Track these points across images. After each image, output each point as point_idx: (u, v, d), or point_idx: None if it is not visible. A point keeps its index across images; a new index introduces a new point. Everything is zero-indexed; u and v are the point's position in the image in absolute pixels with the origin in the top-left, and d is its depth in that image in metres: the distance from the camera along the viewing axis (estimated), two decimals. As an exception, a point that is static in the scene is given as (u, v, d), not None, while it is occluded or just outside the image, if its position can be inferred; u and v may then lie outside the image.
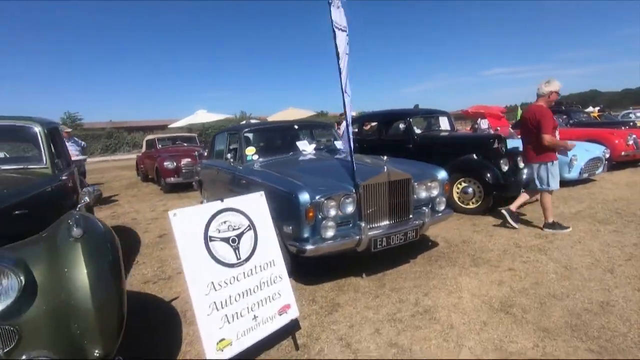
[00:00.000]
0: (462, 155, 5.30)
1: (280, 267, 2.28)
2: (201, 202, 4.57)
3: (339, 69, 2.95)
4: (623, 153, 7.58)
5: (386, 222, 3.14)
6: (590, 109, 18.52)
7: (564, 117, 11.88)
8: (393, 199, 3.16)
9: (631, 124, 10.63)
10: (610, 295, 2.66)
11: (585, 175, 6.45)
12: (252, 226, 2.22)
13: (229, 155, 4.47)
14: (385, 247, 3.04)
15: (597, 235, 3.93)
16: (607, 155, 6.91)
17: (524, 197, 4.40)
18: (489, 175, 4.85)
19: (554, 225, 4.14)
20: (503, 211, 4.39)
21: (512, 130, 8.67)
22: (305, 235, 2.82)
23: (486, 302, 2.67)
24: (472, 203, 5.13)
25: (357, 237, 2.88)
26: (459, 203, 5.23)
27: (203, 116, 15.37)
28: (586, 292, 2.73)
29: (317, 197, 2.80)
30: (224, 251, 2.05)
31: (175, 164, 8.61)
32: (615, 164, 7.88)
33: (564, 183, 6.52)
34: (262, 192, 2.40)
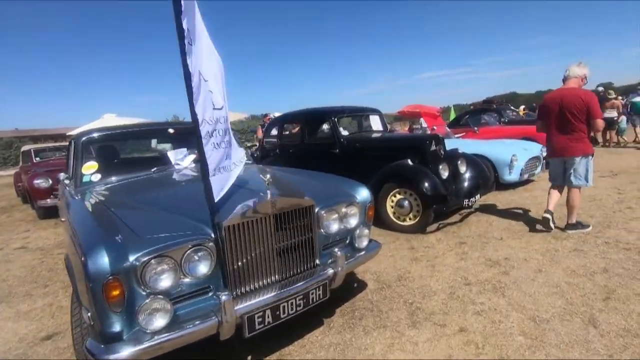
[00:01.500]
0: (395, 160, 4.35)
1: None
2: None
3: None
4: (557, 150, 7.33)
5: (272, 281, 1.96)
6: (522, 107, 19.52)
7: (495, 115, 11.87)
8: (283, 240, 1.99)
9: (557, 120, 10.81)
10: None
11: (525, 177, 5.93)
12: None
13: (62, 175, 3.01)
14: (271, 325, 1.85)
15: (556, 258, 3.15)
16: (544, 154, 6.50)
17: (556, 195, 3.83)
18: (426, 184, 3.93)
19: (577, 226, 3.70)
20: (547, 215, 3.74)
21: (449, 130, 8.10)
22: (113, 329, 1.53)
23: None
24: (409, 219, 4.19)
25: (215, 319, 1.66)
26: (394, 219, 4.27)
27: (111, 121, 13.10)
28: (573, 372, 1.79)
29: (130, 259, 1.52)
30: None
31: (50, 181, 6.71)
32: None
33: (504, 186, 5.95)
34: None
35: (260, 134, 6.98)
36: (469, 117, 11.62)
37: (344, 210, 2.33)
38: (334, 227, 2.27)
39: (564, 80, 3.67)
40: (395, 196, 4.26)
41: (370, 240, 2.50)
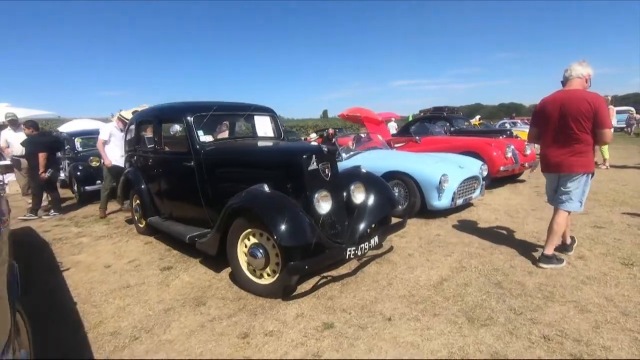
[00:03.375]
0: (256, 182, 2.90)
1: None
2: None
3: None
4: (502, 168, 6.20)
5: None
6: (477, 117, 18.97)
7: (447, 124, 10.86)
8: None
9: (508, 132, 9.92)
10: None
11: (459, 202, 4.68)
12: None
13: None
14: None
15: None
16: (485, 173, 5.33)
17: (562, 222, 3.08)
18: (282, 226, 2.48)
19: (552, 259, 3.06)
20: (542, 265, 3.04)
21: (382, 139, 6.80)
22: None
23: None
24: (267, 275, 2.74)
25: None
26: (248, 274, 2.81)
27: (2, 110, 10.86)
28: None
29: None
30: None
31: None
32: (493, 180, 6.52)
33: (430, 214, 4.68)
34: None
35: (100, 145, 5.21)
36: (414, 126, 10.54)
37: None
38: None
39: (564, 82, 2.98)
40: (249, 238, 2.80)
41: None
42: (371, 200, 3.23)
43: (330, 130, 10.58)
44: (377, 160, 5.22)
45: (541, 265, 3.04)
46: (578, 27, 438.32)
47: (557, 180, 3.07)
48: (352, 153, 5.70)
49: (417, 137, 7.85)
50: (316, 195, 2.78)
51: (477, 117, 16.34)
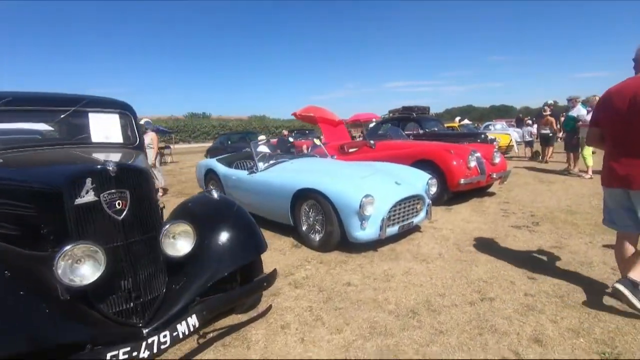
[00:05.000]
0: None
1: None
2: None
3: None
4: (462, 181, 5.05)
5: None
6: (457, 119, 17.95)
7: (417, 126, 9.77)
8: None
9: (482, 136, 8.84)
10: None
11: (394, 230, 3.52)
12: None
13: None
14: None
15: None
16: (434, 189, 4.17)
17: (628, 248, 2.27)
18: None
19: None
20: (620, 287, 2.16)
21: (318, 143, 5.61)
22: None
23: None
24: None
25: None
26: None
27: None
28: None
29: None
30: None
31: None
32: (453, 195, 5.38)
33: (354, 247, 3.52)
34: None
35: None
36: (382, 128, 9.41)
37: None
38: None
39: (637, 65, 2.22)
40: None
41: None
42: (210, 249, 2.04)
43: (285, 132, 9.39)
44: (297, 173, 4.04)
45: (618, 287, 2.16)
46: (570, 29, 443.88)
47: (624, 197, 2.24)
48: (272, 162, 4.51)
49: (371, 142, 6.70)
50: (72, 251, 1.58)
51: (457, 118, 15.32)
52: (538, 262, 3.12)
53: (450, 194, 5.26)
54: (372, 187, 3.42)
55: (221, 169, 5.13)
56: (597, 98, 7.47)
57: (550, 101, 10.53)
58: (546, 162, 10.13)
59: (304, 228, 3.77)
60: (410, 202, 3.71)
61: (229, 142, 12.39)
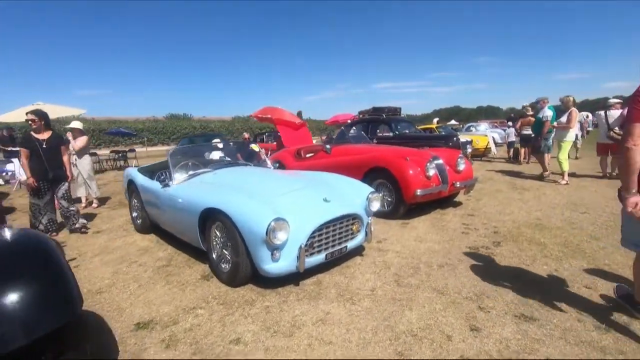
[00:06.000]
0: None
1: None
2: None
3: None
4: (419, 192, 4.40)
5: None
6: (435, 120, 17.46)
7: (387, 128, 9.18)
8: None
9: (454, 139, 8.26)
10: None
11: (319, 259, 2.85)
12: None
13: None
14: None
15: None
16: (376, 205, 3.51)
17: None
18: None
19: None
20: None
21: (257, 148, 4.90)
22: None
23: None
24: None
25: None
26: None
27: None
28: None
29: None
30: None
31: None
32: (411, 208, 4.75)
33: (267, 280, 2.84)
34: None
35: None
36: (352, 131, 8.76)
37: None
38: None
39: None
40: None
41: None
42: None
43: (245, 135, 8.69)
44: (211, 187, 3.33)
45: None
46: (555, 30, 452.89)
47: None
48: (190, 174, 3.79)
49: (327, 147, 6.05)
50: None
51: (435, 119, 14.82)
52: (488, 302, 2.48)
53: (407, 206, 4.62)
54: (288, 208, 2.75)
55: (140, 179, 4.38)
56: (572, 98, 7.04)
57: (526, 103, 10.17)
58: (520, 163, 9.82)
59: (214, 256, 3.08)
60: (342, 224, 3.04)
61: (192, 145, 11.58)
